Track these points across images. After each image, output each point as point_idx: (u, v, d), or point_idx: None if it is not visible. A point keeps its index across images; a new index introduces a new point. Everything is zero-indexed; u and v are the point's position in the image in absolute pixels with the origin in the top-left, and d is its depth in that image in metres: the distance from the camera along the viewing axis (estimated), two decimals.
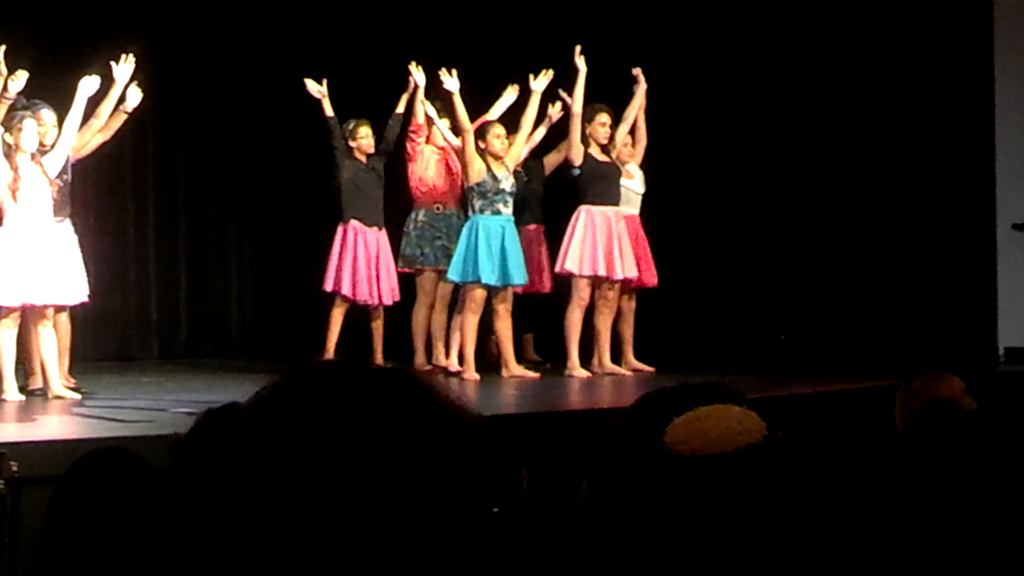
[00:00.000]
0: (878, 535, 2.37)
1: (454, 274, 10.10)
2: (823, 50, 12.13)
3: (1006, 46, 11.75)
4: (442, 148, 10.70)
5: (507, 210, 10.13)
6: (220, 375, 10.61)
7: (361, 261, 10.56)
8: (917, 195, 11.87)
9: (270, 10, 12.62)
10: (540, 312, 11.07)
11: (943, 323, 11.54)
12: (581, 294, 10.27)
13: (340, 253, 10.57)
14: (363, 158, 10.68)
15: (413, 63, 10.49)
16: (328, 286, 10.60)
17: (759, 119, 12.28)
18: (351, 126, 10.70)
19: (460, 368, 10.12)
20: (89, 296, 9.20)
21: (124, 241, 12.23)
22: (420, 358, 10.57)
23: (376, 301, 10.60)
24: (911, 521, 2.49)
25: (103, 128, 9.23)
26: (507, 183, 10.12)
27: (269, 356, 11.75)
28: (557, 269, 10.36)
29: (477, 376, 10.01)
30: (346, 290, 10.53)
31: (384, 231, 10.67)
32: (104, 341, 11.91)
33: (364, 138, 10.66)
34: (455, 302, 10.50)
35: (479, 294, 10.05)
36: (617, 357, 10.61)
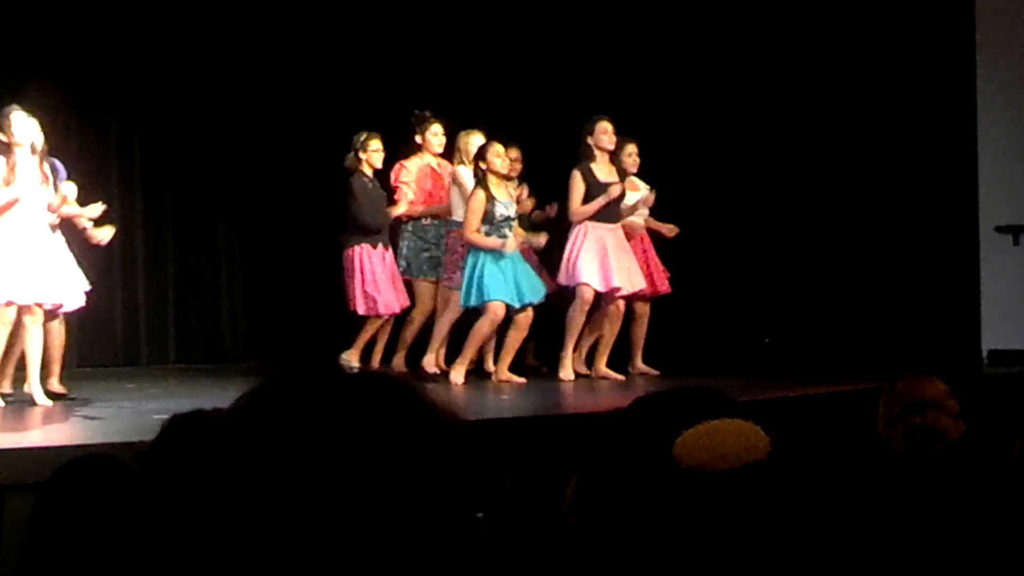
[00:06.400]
0: (877, 553, 2.36)
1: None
2: (807, 55, 12.15)
3: (988, 49, 11.77)
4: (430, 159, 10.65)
5: (511, 234, 9.95)
6: (209, 381, 10.53)
7: (388, 276, 10.35)
8: (900, 198, 11.89)
9: (262, 19, 12.61)
10: (539, 319, 11.03)
11: (927, 326, 11.55)
12: (585, 298, 10.21)
13: (362, 273, 10.28)
14: (370, 172, 10.38)
15: None
16: (362, 309, 10.32)
17: (744, 127, 12.30)
18: (362, 138, 10.35)
19: (446, 368, 10.07)
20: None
21: (111, 247, 12.17)
22: (400, 361, 10.56)
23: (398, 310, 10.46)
24: (909, 539, 2.48)
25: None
26: (511, 209, 9.98)
27: (260, 361, 11.68)
28: (571, 282, 10.19)
29: (462, 380, 9.98)
30: (382, 310, 10.31)
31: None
32: (92, 348, 11.86)
33: (376, 151, 10.36)
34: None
35: (503, 309, 9.92)
36: (625, 360, 10.61)
